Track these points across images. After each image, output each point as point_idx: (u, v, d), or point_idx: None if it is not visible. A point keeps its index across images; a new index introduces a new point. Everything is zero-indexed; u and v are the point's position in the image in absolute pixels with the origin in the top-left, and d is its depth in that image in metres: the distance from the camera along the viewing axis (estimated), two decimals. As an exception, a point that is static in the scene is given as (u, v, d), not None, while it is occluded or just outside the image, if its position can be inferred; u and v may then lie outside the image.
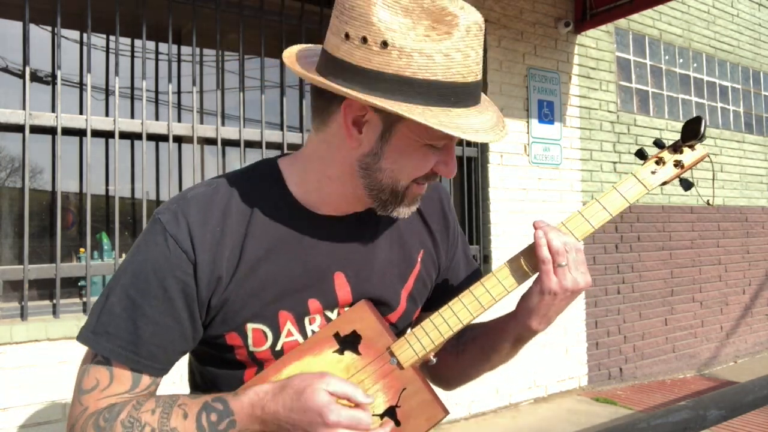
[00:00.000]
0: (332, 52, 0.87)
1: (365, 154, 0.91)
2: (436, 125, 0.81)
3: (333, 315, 1.00)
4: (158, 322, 0.91)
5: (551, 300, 0.96)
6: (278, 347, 0.97)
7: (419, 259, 1.09)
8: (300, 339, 0.98)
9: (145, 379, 0.93)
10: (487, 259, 4.32)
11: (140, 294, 0.91)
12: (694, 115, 1.18)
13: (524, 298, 1.00)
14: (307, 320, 0.98)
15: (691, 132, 1.03)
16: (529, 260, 0.99)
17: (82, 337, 0.93)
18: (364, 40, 0.82)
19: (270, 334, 0.96)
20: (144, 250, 0.94)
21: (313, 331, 0.99)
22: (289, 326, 0.97)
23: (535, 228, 0.97)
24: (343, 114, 0.89)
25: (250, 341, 0.96)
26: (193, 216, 0.94)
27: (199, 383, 1.07)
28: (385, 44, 0.81)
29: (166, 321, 0.91)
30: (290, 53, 0.97)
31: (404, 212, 0.98)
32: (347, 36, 0.84)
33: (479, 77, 0.88)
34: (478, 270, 1.22)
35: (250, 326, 0.95)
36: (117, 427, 0.87)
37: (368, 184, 0.94)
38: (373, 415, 0.96)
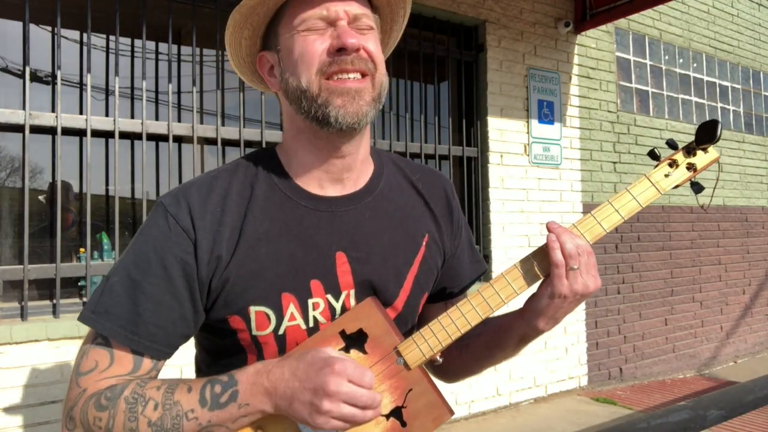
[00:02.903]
0: None
1: (282, 84, 0.98)
2: None
3: (336, 302, 1.00)
4: (158, 300, 0.92)
5: (560, 303, 0.97)
6: (281, 331, 0.97)
7: (424, 244, 1.09)
8: (302, 324, 0.98)
9: (147, 362, 0.93)
10: (486, 259, 4.32)
11: (141, 273, 0.92)
12: (697, 116, 1.17)
13: (532, 299, 1.00)
14: (310, 304, 0.98)
15: (707, 134, 1.01)
16: (540, 263, 0.99)
17: (82, 317, 0.94)
18: None
19: (273, 317, 0.96)
20: (146, 231, 0.96)
21: (315, 318, 0.98)
22: (292, 309, 0.97)
23: (549, 230, 0.97)
24: (261, 74, 1.03)
25: (253, 324, 0.96)
26: (194, 198, 0.96)
27: None
28: None
29: (166, 300, 0.92)
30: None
31: (342, 113, 0.92)
32: None
33: None
34: (483, 263, 1.23)
35: (252, 309, 0.95)
36: (120, 404, 0.87)
37: (296, 106, 0.97)
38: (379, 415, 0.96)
